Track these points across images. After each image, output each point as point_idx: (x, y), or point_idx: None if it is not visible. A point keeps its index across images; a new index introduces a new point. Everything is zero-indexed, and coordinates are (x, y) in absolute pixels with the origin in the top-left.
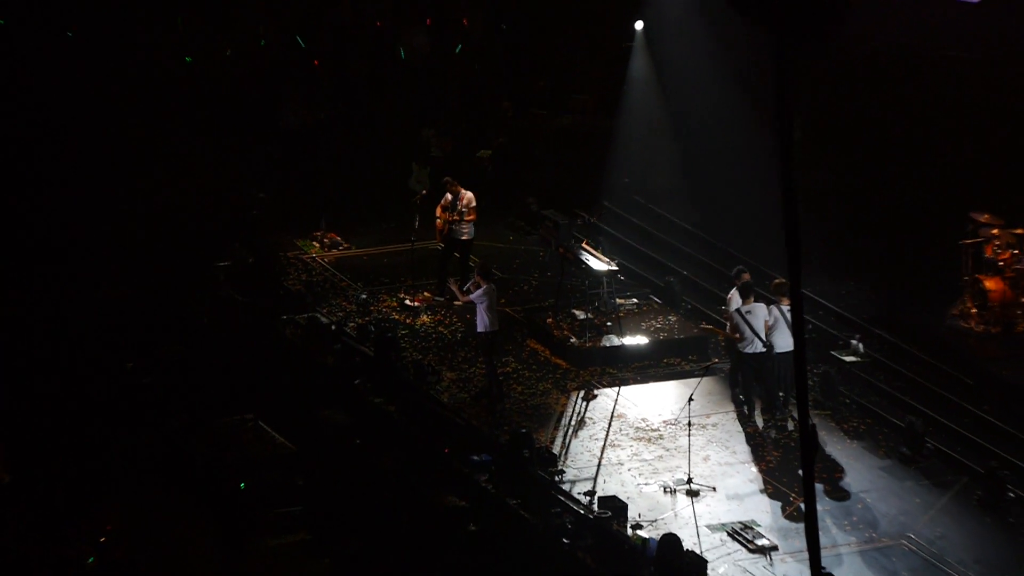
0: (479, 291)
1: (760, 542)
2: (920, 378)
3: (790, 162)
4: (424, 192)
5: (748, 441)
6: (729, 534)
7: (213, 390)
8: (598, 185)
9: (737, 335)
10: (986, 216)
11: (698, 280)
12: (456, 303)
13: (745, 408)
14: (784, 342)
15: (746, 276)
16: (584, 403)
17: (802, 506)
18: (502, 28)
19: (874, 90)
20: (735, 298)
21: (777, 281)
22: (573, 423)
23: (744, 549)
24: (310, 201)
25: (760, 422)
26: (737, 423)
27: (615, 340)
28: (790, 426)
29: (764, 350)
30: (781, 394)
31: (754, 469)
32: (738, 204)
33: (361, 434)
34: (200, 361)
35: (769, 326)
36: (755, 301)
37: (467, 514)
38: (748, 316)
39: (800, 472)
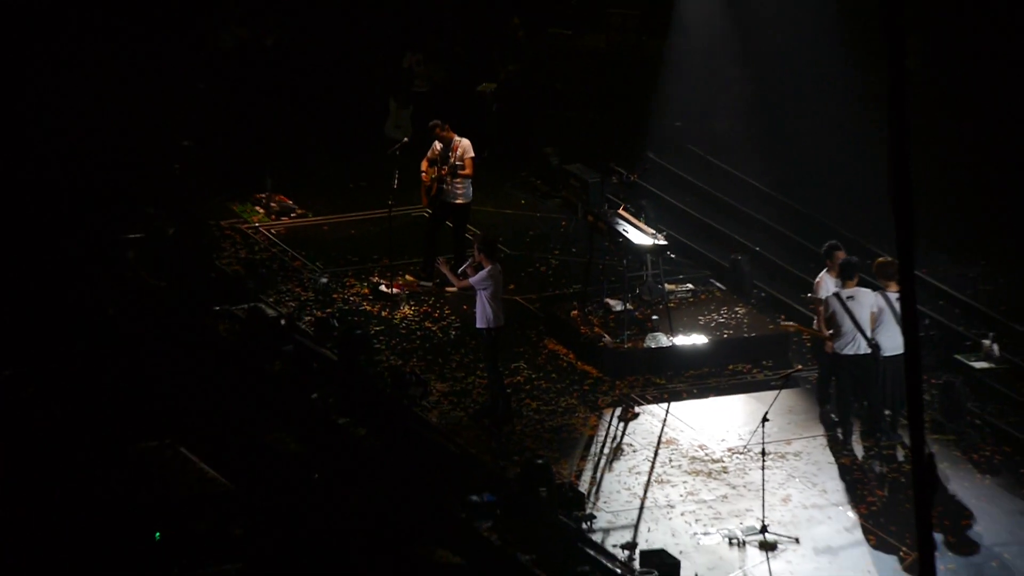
0: (481, 274)
1: None
2: None
3: (902, 101)
4: (406, 140)
5: (843, 476)
6: None
7: (121, 406)
8: (640, 130)
9: (831, 330)
10: None
11: (775, 259)
12: (449, 290)
13: (839, 431)
14: (893, 342)
15: (841, 254)
16: (621, 424)
17: (917, 563)
18: None
19: (1016, 8)
20: (826, 282)
21: (882, 260)
22: (606, 451)
23: None
24: (252, 152)
25: (860, 450)
26: (828, 451)
27: (663, 340)
28: (900, 455)
29: (869, 351)
30: (888, 412)
31: (851, 514)
32: (829, 156)
33: (320, 466)
34: (103, 367)
35: (874, 319)
36: (857, 285)
37: (464, 573)
38: (849, 303)
39: (914, 518)
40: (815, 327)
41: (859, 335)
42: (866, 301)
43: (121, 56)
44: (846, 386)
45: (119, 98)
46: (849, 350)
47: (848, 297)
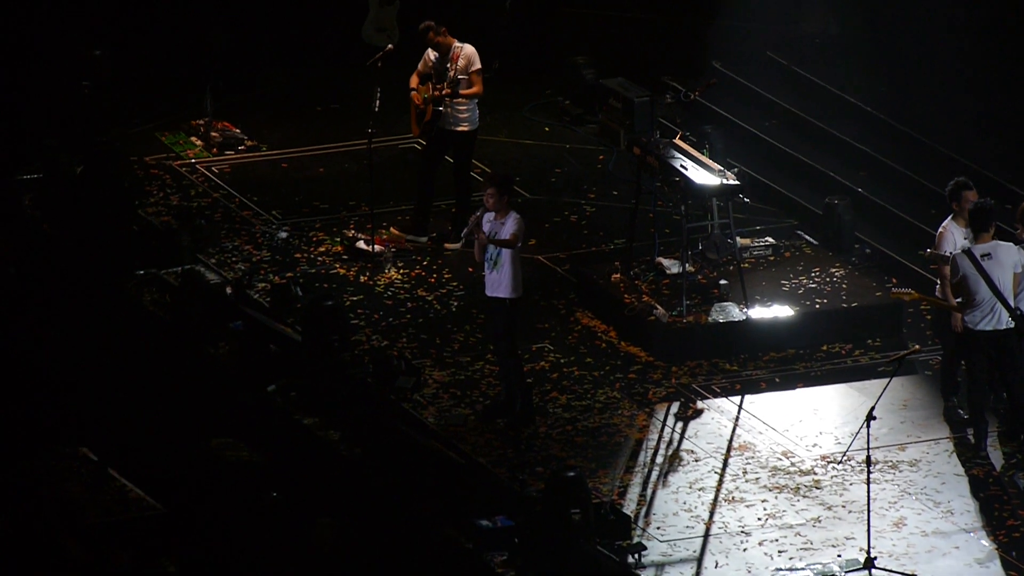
0: (509, 223)
1: None
2: None
3: None
4: (390, 47)
5: (975, 492)
6: None
7: (19, 402)
8: (702, 33)
9: (960, 299)
10: None
11: (883, 203)
12: (449, 247)
13: (970, 432)
14: None
15: (971, 195)
16: (679, 425)
17: None
18: None
19: None
20: (952, 233)
21: None
22: (659, 461)
23: None
24: (185, 65)
25: (997, 457)
26: (955, 459)
27: (734, 312)
28: None
29: (1011, 325)
30: None
31: (985, 542)
32: (957, 67)
33: (279, 482)
34: None
35: (1017, 282)
36: (996, 238)
37: None
38: (985, 263)
39: None
40: (938, 294)
41: (998, 305)
42: (1008, 259)
43: None
44: (979, 372)
45: None
46: (985, 325)
47: (984, 255)
